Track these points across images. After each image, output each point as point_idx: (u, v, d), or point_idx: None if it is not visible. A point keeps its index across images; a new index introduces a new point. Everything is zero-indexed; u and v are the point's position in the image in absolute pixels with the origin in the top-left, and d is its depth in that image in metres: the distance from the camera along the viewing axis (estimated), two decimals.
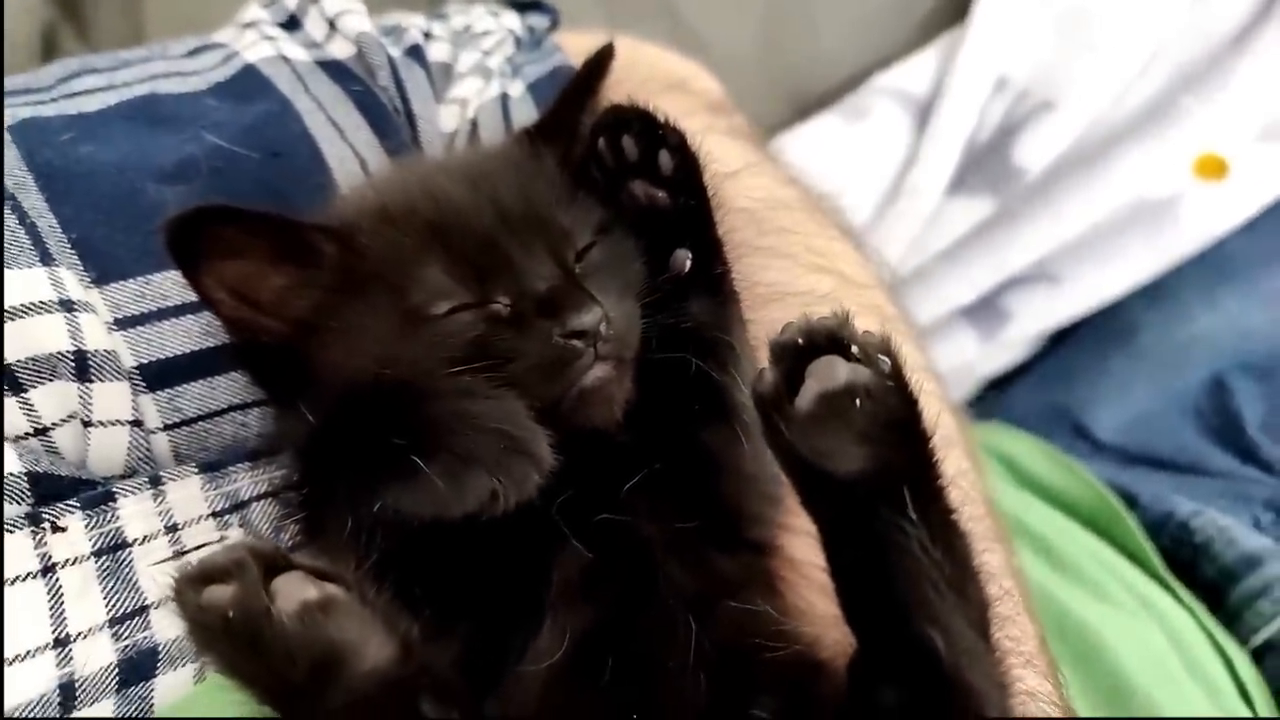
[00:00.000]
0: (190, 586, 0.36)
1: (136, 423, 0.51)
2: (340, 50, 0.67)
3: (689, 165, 0.53)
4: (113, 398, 0.50)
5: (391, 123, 0.64)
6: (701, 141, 0.55)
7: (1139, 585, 0.86)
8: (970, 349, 1.10)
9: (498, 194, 0.51)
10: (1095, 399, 1.09)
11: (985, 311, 1.09)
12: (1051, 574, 0.85)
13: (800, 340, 0.40)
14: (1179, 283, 1.07)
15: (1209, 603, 0.89)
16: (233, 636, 0.35)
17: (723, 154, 0.58)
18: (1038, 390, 1.14)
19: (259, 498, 0.52)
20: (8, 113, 0.57)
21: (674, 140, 0.52)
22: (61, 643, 0.44)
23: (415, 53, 0.67)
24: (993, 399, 1.15)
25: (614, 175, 0.54)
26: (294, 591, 0.36)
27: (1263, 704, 0.80)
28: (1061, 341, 1.14)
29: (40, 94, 0.60)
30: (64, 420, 0.50)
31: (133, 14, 0.85)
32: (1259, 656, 0.85)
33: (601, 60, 0.58)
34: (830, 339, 0.40)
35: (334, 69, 0.65)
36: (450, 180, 0.52)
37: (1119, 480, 1.00)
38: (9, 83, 0.61)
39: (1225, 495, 1.01)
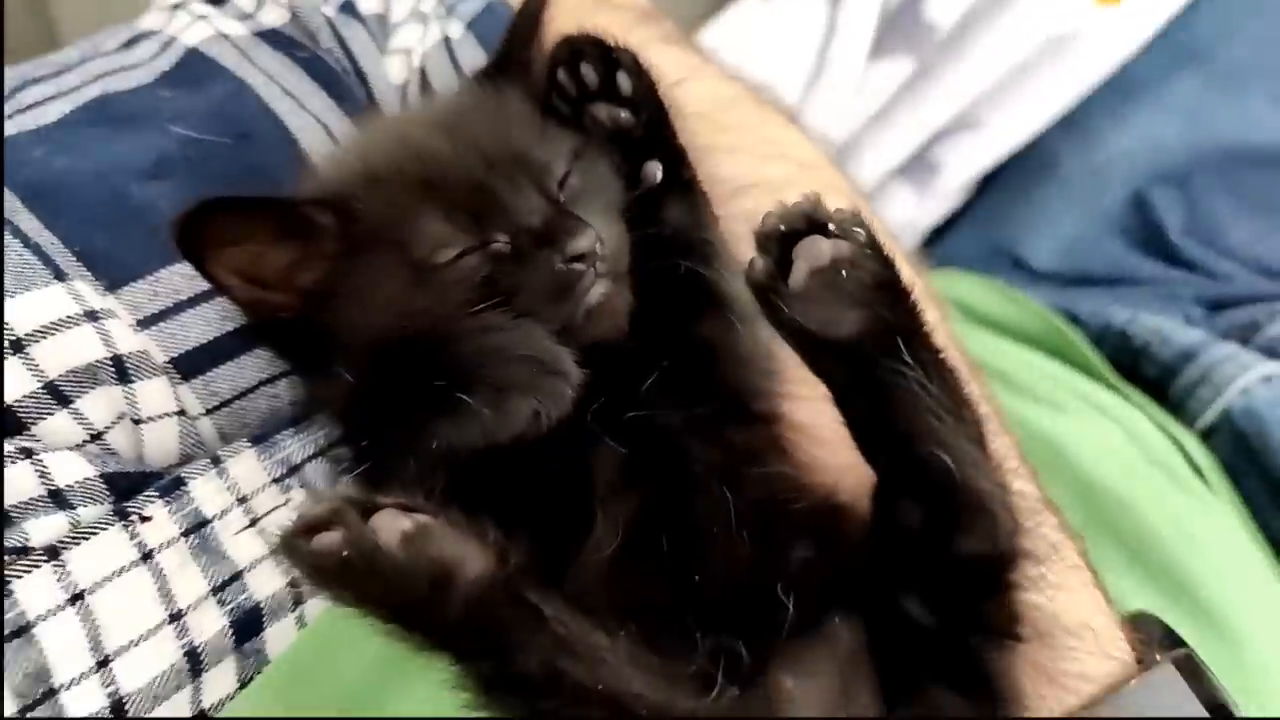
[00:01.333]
0: (299, 538, 0.40)
1: (181, 412, 0.55)
2: (273, 18, 0.68)
3: (645, 83, 0.56)
4: (155, 393, 0.54)
5: (343, 84, 0.65)
6: (648, 56, 0.58)
7: (1092, 393, 0.92)
8: (909, 205, 1.15)
9: (475, 139, 0.54)
10: (1028, 231, 1.15)
11: (917, 167, 1.14)
12: (1012, 399, 0.92)
13: (782, 227, 0.44)
14: (1090, 110, 1.12)
15: (1155, 397, 0.96)
16: (352, 573, 0.39)
17: (665, 64, 0.62)
18: (975, 232, 1.19)
19: (309, 459, 0.56)
20: None
21: (628, 61, 0.56)
22: (175, 617, 0.49)
23: (348, 8, 0.68)
24: (935, 247, 1.21)
25: (577, 102, 0.57)
26: (392, 526, 0.40)
27: (1216, 480, 0.87)
28: (991, 183, 1.19)
29: None
30: (115, 422, 0.53)
31: (41, 13, 0.83)
32: (1206, 437, 0.92)
33: None
34: (808, 221, 0.44)
35: (274, 38, 0.66)
36: (428, 134, 0.55)
37: (1059, 302, 1.06)
38: None
39: (1157, 299, 1.08)
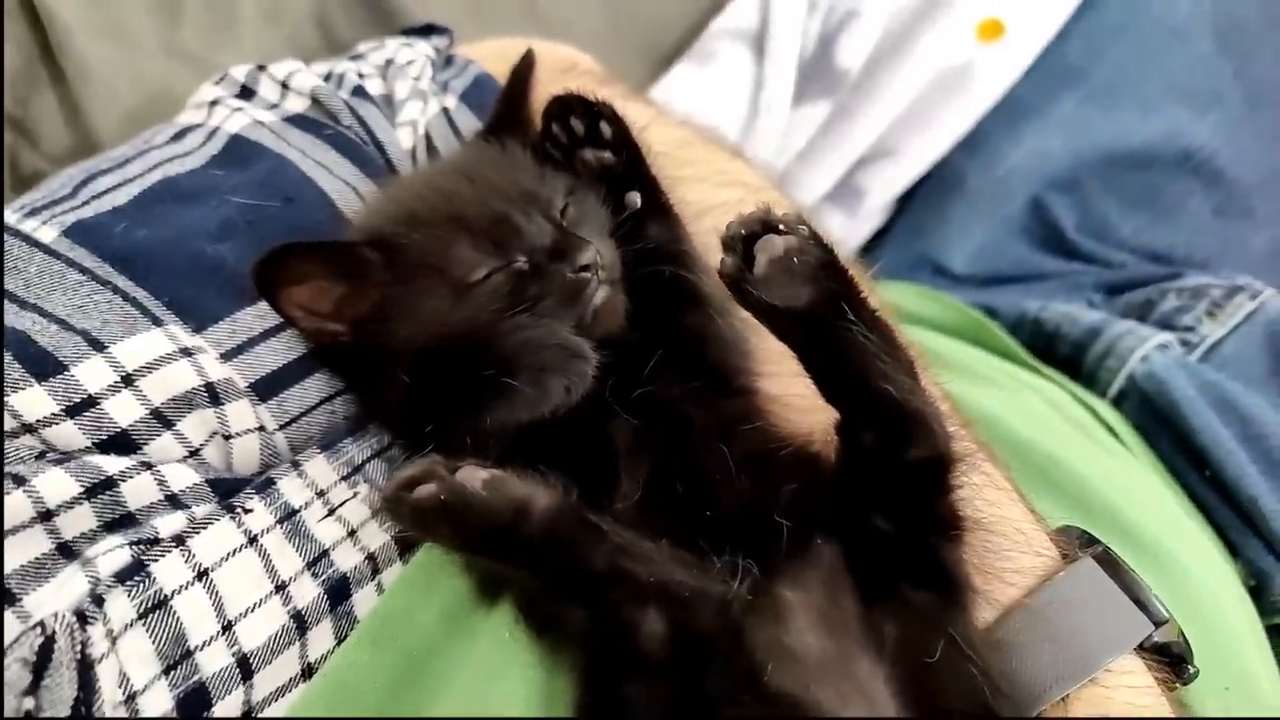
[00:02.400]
0: (400, 493, 0.50)
1: (261, 428, 0.65)
2: (296, 105, 0.80)
3: (622, 129, 0.70)
4: (240, 413, 0.64)
5: (364, 153, 0.77)
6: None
7: (1015, 374, 1.04)
8: (839, 226, 1.29)
9: (490, 181, 0.67)
10: (945, 242, 1.29)
11: (844, 193, 1.28)
12: (947, 377, 1.04)
13: (743, 230, 0.55)
14: (987, 131, 1.26)
15: (1069, 373, 1.08)
16: (448, 514, 0.50)
17: (631, 115, 0.75)
18: (899, 246, 1.33)
19: (368, 460, 0.67)
20: (56, 222, 0.67)
21: (608, 113, 0.69)
22: (280, 588, 0.59)
23: (360, 92, 0.81)
24: (865, 263, 1.34)
25: (568, 149, 0.70)
26: (473, 476, 0.51)
27: (1131, 440, 0.99)
28: (909, 202, 1.34)
29: (69, 202, 0.70)
30: (209, 439, 0.63)
31: (77, 124, 0.94)
32: (1118, 404, 1.05)
33: (526, 66, 0.74)
34: (763, 224, 0.55)
35: (301, 121, 0.78)
36: (451, 181, 0.67)
37: (979, 299, 1.19)
38: (33, 201, 0.71)
39: (1062, 289, 1.22)
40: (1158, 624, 0.61)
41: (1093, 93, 1.27)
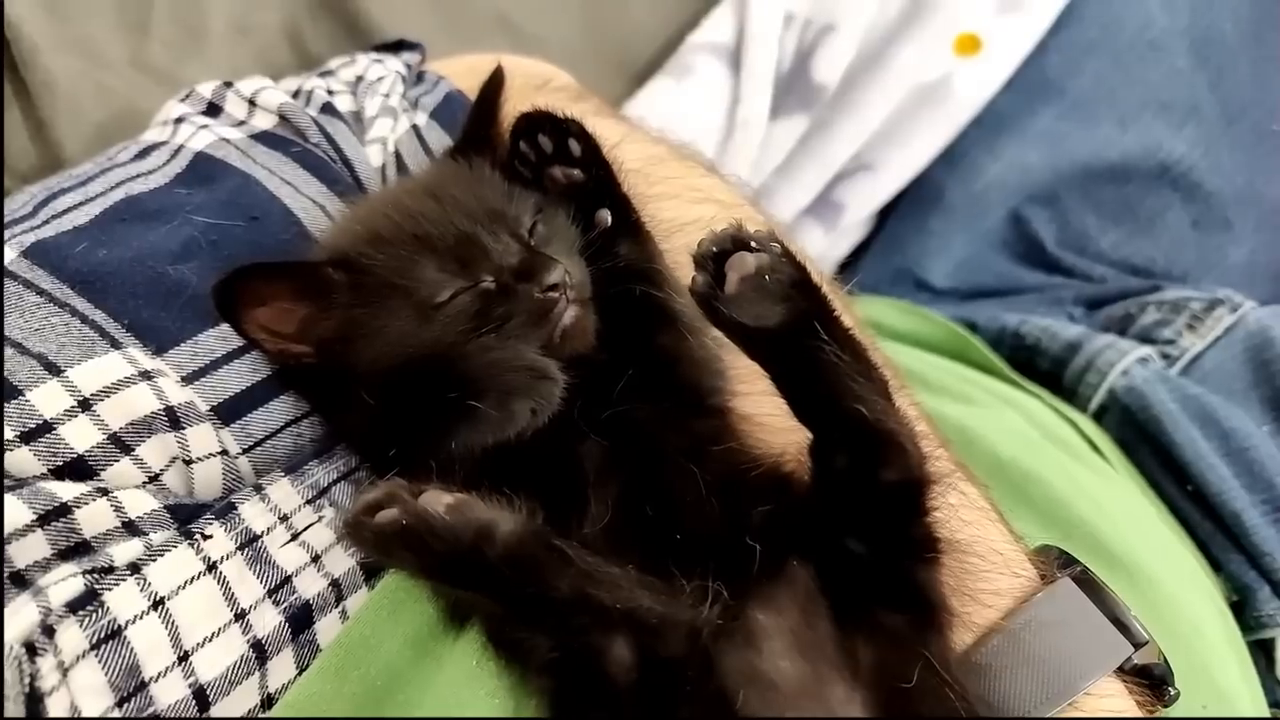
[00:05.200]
0: (362, 518, 0.49)
1: (223, 452, 0.64)
2: (264, 122, 0.79)
3: (592, 146, 0.69)
4: (202, 437, 0.63)
5: (332, 171, 0.76)
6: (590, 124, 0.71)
7: (995, 388, 1.04)
8: (819, 241, 1.29)
9: (457, 200, 0.65)
10: (925, 256, 1.29)
11: (823, 207, 1.28)
12: (927, 397, 1.03)
13: (714, 248, 0.55)
14: (966, 144, 1.27)
15: (1050, 388, 1.08)
16: (411, 538, 0.49)
17: (603, 131, 0.74)
18: (879, 260, 1.34)
19: (334, 483, 0.66)
20: (15, 243, 0.66)
21: (576, 130, 0.68)
22: (240, 616, 0.57)
23: (329, 109, 0.80)
24: (845, 277, 1.34)
25: (537, 166, 0.69)
26: (436, 500, 0.50)
27: (1111, 453, 0.98)
28: (888, 216, 1.34)
29: (29, 220, 0.68)
30: (169, 464, 0.62)
31: (42, 139, 0.93)
32: (1099, 418, 1.05)
33: (496, 82, 0.73)
34: (734, 241, 0.55)
35: (267, 138, 0.77)
36: (417, 200, 0.66)
37: (959, 313, 1.19)
38: None
39: (1042, 303, 1.23)
40: (1138, 645, 0.60)
41: (1071, 106, 1.28)
